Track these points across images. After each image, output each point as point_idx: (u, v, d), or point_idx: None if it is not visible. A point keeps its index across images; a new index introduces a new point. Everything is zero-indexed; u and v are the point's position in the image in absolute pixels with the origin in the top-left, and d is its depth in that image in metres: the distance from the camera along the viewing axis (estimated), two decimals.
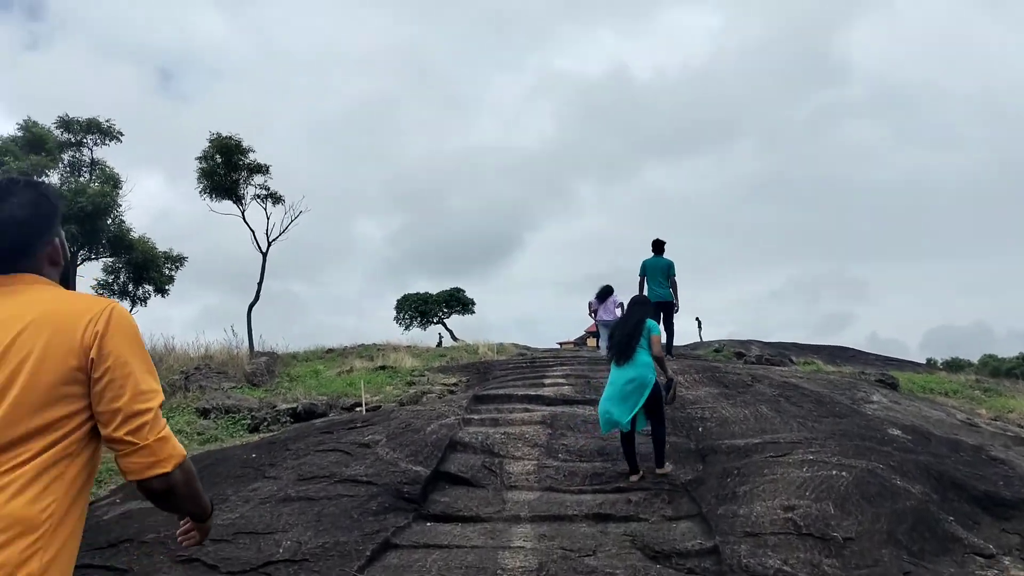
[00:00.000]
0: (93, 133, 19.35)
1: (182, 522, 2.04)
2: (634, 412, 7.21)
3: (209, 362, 15.93)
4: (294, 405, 11.79)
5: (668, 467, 7.51)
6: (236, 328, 20.31)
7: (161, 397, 1.79)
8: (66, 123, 19.09)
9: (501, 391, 11.00)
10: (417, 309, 52.50)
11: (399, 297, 54.48)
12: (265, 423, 11.38)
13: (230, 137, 18.80)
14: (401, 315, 53.08)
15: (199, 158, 18.67)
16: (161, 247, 21.71)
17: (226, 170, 18.72)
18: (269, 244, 20.13)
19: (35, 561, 1.56)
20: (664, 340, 11.08)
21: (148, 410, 1.71)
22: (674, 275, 12.58)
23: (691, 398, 10.43)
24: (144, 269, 22.57)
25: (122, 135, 19.84)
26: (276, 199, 19.91)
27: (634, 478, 7.30)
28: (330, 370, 16.33)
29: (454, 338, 41.03)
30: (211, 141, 18.59)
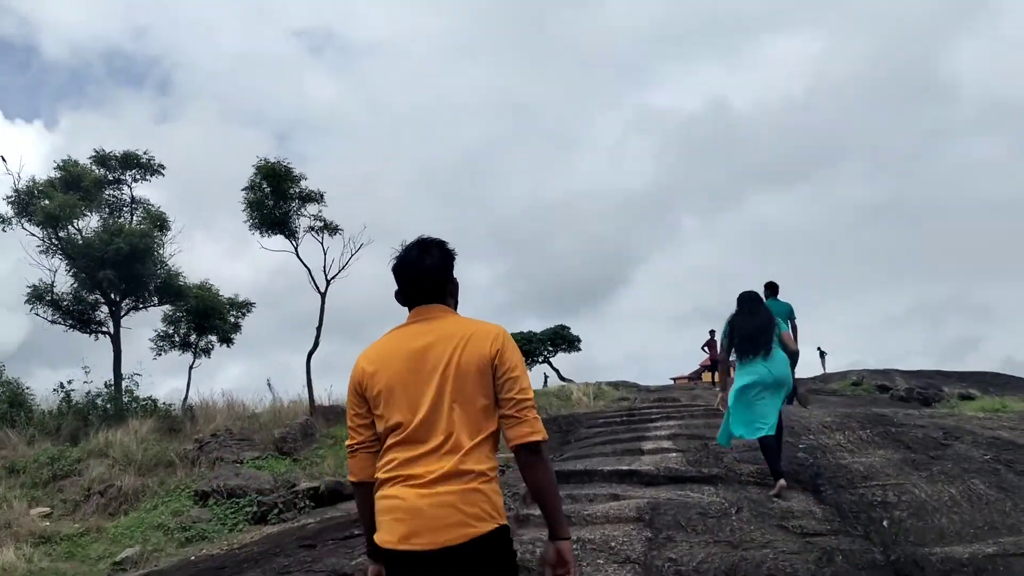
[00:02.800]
0: (131, 168, 17.48)
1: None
2: (777, 413, 6.58)
3: (233, 425, 13.42)
4: (316, 484, 9.03)
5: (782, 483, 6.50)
6: (289, 379, 18.06)
7: (532, 391, 2.53)
8: (101, 158, 17.28)
9: (580, 464, 7.91)
10: (521, 349, 49.48)
11: None
12: (276, 510, 8.66)
13: (278, 162, 16.51)
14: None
15: (245, 188, 16.48)
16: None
17: (275, 200, 16.43)
18: (328, 282, 17.60)
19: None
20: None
21: (527, 399, 2.45)
22: (795, 318, 11.34)
23: (861, 469, 7.09)
24: (206, 317, 20.61)
25: (163, 168, 17.94)
26: (332, 230, 17.42)
27: (783, 483, 6.50)
28: None
29: (561, 378, 38.36)
30: (257, 168, 16.33)
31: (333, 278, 17.59)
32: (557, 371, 43.95)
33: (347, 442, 2.63)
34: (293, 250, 17.36)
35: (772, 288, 11.38)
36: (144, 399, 17.62)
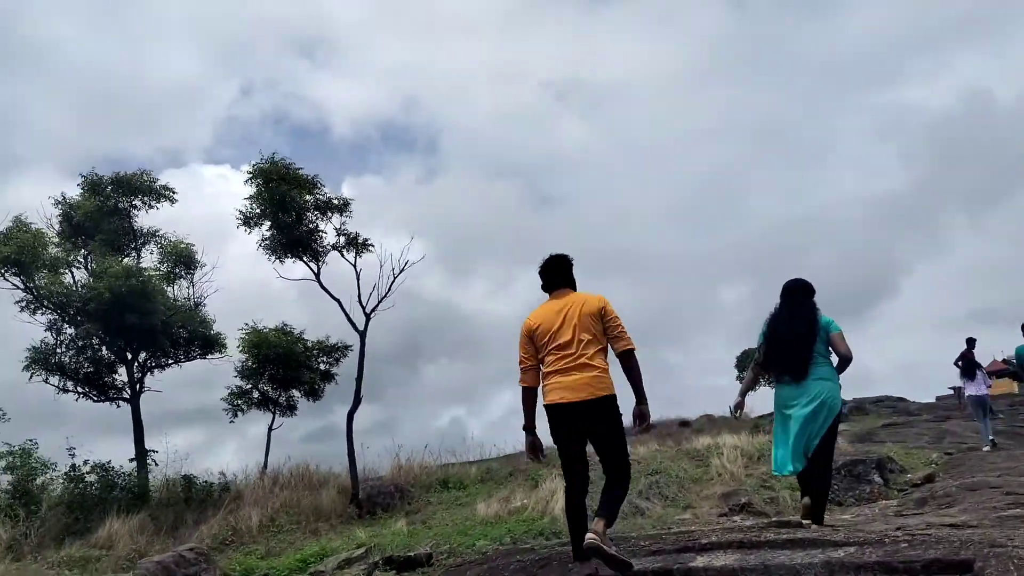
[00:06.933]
0: (129, 195, 14.09)
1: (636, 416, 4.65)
2: (816, 442, 5.45)
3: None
4: None
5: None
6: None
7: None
8: (92, 185, 14.02)
9: None
10: None
11: (739, 353, 45.49)
12: None
13: (278, 162, 12.21)
14: (743, 374, 44.02)
15: (248, 198, 12.36)
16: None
17: (277, 211, 12.14)
18: (368, 317, 13.03)
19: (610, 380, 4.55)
20: None
21: (625, 329, 4.57)
22: None
23: None
24: (283, 367, 16.91)
25: (174, 193, 14.41)
26: (361, 247, 12.82)
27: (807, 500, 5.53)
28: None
29: None
30: (255, 169, 12.09)
31: (373, 311, 13.00)
32: None
33: (521, 365, 4.68)
34: (314, 276, 12.96)
35: None
36: (174, 478, 14.11)
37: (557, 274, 4.84)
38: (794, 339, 5.50)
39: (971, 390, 12.56)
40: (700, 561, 5.17)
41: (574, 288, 4.85)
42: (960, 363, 15.27)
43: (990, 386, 12.61)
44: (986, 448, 11.87)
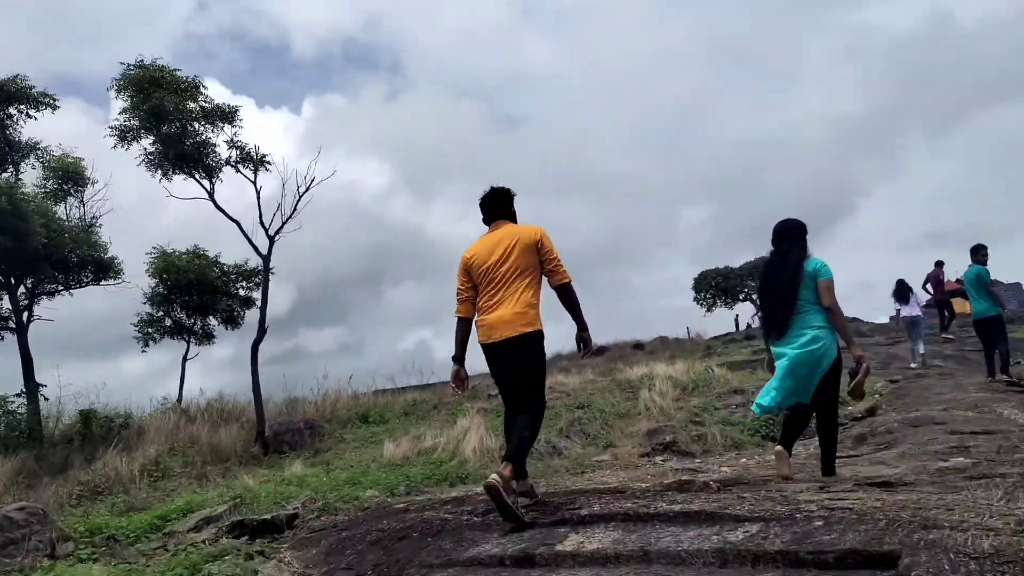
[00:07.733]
0: (3, 103, 12.48)
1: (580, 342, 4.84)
2: (811, 390, 5.11)
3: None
4: None
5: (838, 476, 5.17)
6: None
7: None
8: None
9: None
10: (718, 287, 43.20)
11: (696, 275, 45.23)
12: None
13: (152, 67, 10.71)
14: (701, 295, 44.08)
15: (124, 112, 10.92)
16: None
17: (161, 122, 10.72)
18: (271, 240, 11.81)
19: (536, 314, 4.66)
20: (1000, 362, 9.67)
21: (560, 262, 4.69)
22: (987, 281, 9.64)
23: None
24: (197, 293, 15.71)
25: (55, 100, 12.83)
26: (258, 163, 11.48)
27: (778, 448, 5.29)
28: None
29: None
30: (125, 78, 10.61)
31: (277, 233, 11.77)
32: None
33: (458, 296, 4.84)
34: (207, 194, 11.63)
35: (971, 252, 9.72)
36: (73, 417, 13.00)
37: (497, 207, 4.94)
38: (779, 290, 5.21)
39: (904, 312, 13.52)
40: (570, 543, 4.21)
41: (514, 221, 4.94)
42: (927, 286, 15.57)
43: (923, 304, 13.98)
44: (914, 365, 13.30)
